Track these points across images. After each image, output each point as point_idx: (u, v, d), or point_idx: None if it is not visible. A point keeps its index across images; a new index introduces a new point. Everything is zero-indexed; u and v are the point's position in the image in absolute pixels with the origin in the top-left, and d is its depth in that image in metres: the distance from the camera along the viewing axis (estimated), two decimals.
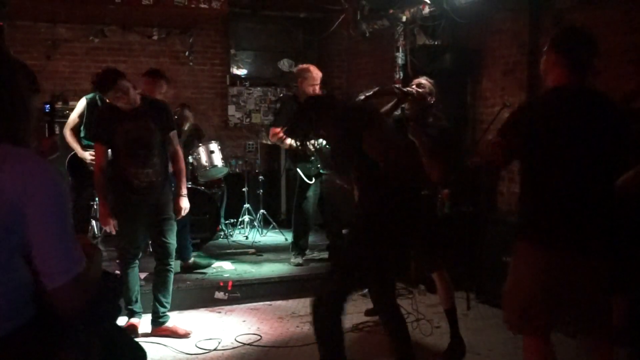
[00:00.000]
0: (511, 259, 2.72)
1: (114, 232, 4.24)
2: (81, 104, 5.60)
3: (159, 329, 4.38)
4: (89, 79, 7.55)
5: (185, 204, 4.34)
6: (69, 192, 1.68)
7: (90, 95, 5.60)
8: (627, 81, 4.47)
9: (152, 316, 4.40)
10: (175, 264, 4.56)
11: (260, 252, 6.41)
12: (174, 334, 4.37)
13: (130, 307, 4.36)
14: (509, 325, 2.71)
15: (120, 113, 4.13)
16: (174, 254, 4.39)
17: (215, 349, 4.19)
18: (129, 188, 4.17)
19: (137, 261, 4.36)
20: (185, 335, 4.35)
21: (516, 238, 2.68)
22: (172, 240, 4.34)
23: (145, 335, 4.35)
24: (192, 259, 5.64)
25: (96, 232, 6.30)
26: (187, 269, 5.55)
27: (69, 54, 7.67)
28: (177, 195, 4.32)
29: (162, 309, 4.37)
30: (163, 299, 4.37)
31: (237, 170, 8.03)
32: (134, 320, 4.38)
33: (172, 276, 4.41)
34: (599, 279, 2.54)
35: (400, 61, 6.56)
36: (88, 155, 5.36)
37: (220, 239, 6.87)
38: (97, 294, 1.72)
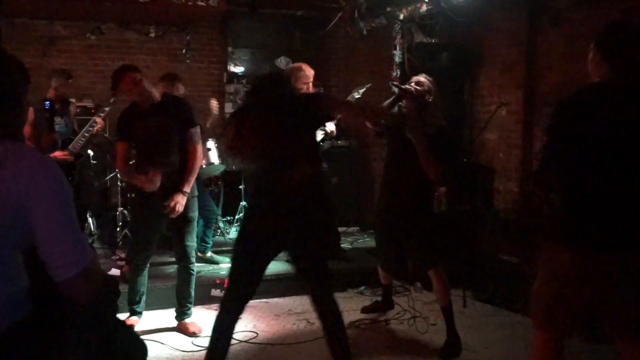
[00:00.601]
0: (540, 258, 2.66)
1: (157, 182, 3.99)
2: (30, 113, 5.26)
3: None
4: (85, 76, 7.65)
5: (178, 199, 4.04)
6: (70, 187, 1.68)
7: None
8: None
9: (175, 311, 4.46)
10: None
11: None
12: (184, 330, 4.39)
13: (132, 305, 4.38)
14: (533, 321, 2.67)
15: (139, 110, 4.12)
16: (193, 254, 4.38)
17: None
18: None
19: (147, 265, 4.36)
20: (192, 334, 4.35)
21: (544, 238, 2.64)
22: (192, 242, 4.33)
23: (143, 333, 4.35)
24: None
25: (92, 230, 6.29)
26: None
27: (66, 52, 7.65)
28: (176, 190, 4.06)
29: (183, 308, 4.41)
30: (184, 300, 4.40)
31: (233, 167, 8.00)
32: (133, 319, 4.39)
33: (193, 277, 4.41)
34: (632, 279, 2.43)
35: (397, 59, 6.57)
36: (58, 153, 5.29)
37: (217, 237, 6.86)
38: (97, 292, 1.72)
